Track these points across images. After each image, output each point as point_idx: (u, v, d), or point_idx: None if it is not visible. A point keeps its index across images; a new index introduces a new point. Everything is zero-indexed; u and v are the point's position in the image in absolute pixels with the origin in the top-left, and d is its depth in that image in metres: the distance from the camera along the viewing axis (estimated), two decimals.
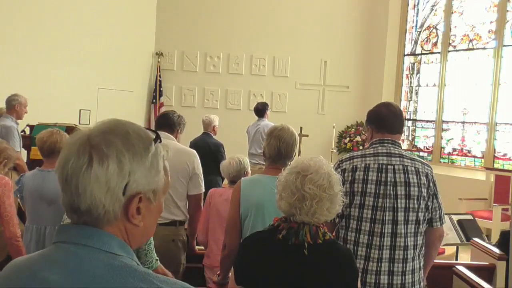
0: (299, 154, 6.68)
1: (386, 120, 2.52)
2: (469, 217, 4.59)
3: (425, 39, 8.79)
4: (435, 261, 2.67)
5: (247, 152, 6.78)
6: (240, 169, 3.52)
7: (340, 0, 9.14)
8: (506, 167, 7.28)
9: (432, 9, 8.70)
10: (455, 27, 8.26)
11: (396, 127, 2.53)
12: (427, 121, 8.65)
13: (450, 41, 8.30)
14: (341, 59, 9.20)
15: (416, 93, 8.92)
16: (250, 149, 6.89)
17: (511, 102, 7.32)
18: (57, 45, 7.34)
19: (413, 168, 2.41)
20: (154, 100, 9.11)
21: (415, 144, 8.87)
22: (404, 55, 9.07)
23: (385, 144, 2.48)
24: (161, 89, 9.17)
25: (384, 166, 2.40)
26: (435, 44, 8.60)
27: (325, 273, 1.76)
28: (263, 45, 9.21)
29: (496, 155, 7.55)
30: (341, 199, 1.83)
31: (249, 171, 3.62)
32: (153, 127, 8.47)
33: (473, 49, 7.96)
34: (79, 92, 7.77)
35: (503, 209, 6.22)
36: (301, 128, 7.49)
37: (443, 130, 8.36)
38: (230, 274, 2.55)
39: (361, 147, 8.32)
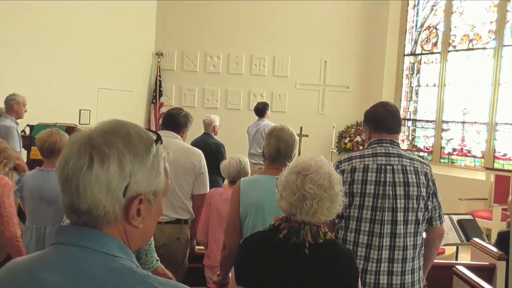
0: (299, 154, 6.69)
1: (383, 120, 2.51)
2: (469, 217, 4.59)
3: (425, 39, 8.79)
4: (435, 261, 2.67)
5: (247, 152, 6.78)
6: (240, 169, 3.52)
7: (340, 1, 9.14)
8: (506, 167, 7.27)
9: (432, 9, 8.71)
10: (455, 27, 8.26)
11: (394, 126, 2.53)
12: (427, 121, 8.65)
13: (450, 41, 8.30)
14: (341, 59, 9.20)
15: (416, 93, 8.92)
16: (250, 149, 6.89)
17: (511, 102, 7.32)
18: (57, 45, 7.34)
19: (412, 168, 2.41)
20: (154, 100, 9.11)
21: (415, 144, 8.87)
22: (404, 55, 9.07)
23: (384, 144, 2.48)
24: (161, 89, 9.17)
25: (383, 167, 2.39)
26: (435, 44, 8.60)
27: (325, 273, 1.76)
28: (263, 45, 9.21)
29: (496, 155, 7.55)
30: (341, 199, 1.83)
31: (249, 171, 3.62)
32: (153, 127, 8.47)
33: (473, 49, 7.96)
34: (79, 92, 7.77)
35: (503, 209, 6.21)
36: (301, 128, 7.49)
37: (443, 130, 8.36)
38: (230, 274, 2.55)
39: (361, 147, 8.32)
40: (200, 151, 3.47)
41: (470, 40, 8.02)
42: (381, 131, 2.50)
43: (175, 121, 3.42)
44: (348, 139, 9.01)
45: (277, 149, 2.54)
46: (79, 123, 7.25)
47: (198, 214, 3.47)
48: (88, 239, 0.94)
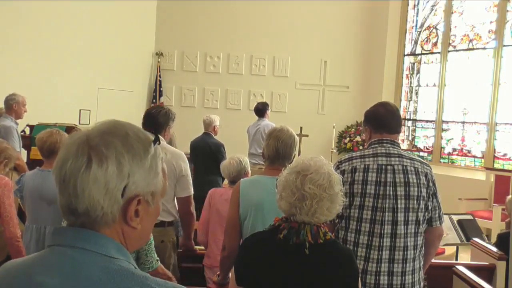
0: (299, 154, 6.69)
1: (384, 120, 2.51)
2: (469, 217, 4.59)
3: (425, 39, 8.79)
4: (435, 261, 2.67)
5: (247, 152, 6.78)
6: (240, 169, 3.52)
7: (340, 1, 9.14)
8: (506, 167, 7.27)
9: (432, 9, 8.71)
10: (455, 27, 8.26)
11: (394, 126, 2.53)
12: (427, 121, 8.65)
13: (450, 41, 8.30)
14: (341, 59, 9.20)
15: (416, 93, 8.92)
16: (250, 149, 6.90)
17: (511, 102, 7.32)
18: (57, 45, 7.34)
19: (412, 168, 2.41)
20: (154, 100, 9.11)
21: (415, 144, 8.88)
22: (404, 55, 9.07)
23: (384, 144, 2.48)
24: (161, 89, 9.17)
25: (383, 167, 2.39)
26: (435, 44, 8.60)
27: (325, 273, 1.76)
28: (263, 45, 9.21)
29: (496, 155, 7.55)
30: (341, 199, 1.83)
31: (249, 171, 3.62)
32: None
33: (473, 49, 7.96)
34: (79, 92, 7.77)
35: (503, 209, 6.20)
36: (301, 128, 7.49)
37: (443, 130, 8.36)
38: (230, 274, 2.55)
39: (361, 147, 8.32)
40: (181, 153, 3.36)
41: (470, 40, 8.02)
42: (382, 131, 2.50)
43: (154, 120, 3.30)
44: (348, 139, 9.01)
45: (276, 150, 2.54)
46: (79, 123, 7.25)
47: (185, 217, 3.38)
48: (85, 241, 0.93)
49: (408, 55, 9.05)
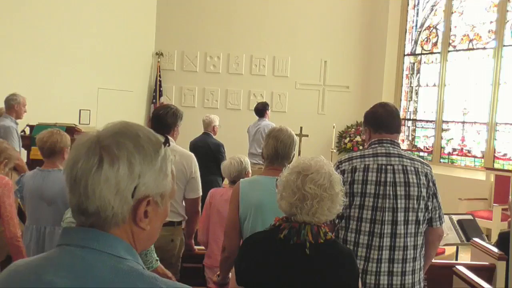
0: (299, 154, 6.69)
1: (383, 120, 2.51)
2: (469, 217, 4.59)
3: (425, 39, 8.79)
4: (435, 261, 2.67)
5: (247, 152, 6.78)
6: (241, 169, 3.51)
7: (340, 0, 9.14)
8: (506, 167, 7.27)
9: (432, 9, 8.71)
10: (455, 27, 8.26)
11: (394, 127, 2.53)
12: (427, 121, 8.65)
13: (450, 41, 8.30)
14: (341, 59, 9.20)
15: (416, 93, 8.92)
16: (250, 149, 6.90)
17: (511, 102, 7.32)
18: (57, 45, 7.34)
19: (412, 168, 2.41)
20: (154, 100, 9.11)
21: (415, 144, 8.88)
22: (404, 55, 9.07)
23: (384, 144, 2.48)
24: (161, 89, 9.17)
25: (383, 167, 2.39)
26: (435, 44, 8.60)
27: (326, 273, 1.76)
28: (263, 45, 9.21)
29: (496, 155, 7.55)
30: (342, 199, 1.83)
31: (250, 171, 3.62)
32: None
33: (473, 49, 7.96)
34: (79, 92, 7.77)
35: (503, 209, 6.21)
36: (301, 128, 7.50)
37: (443, 130, 8.36)
38: (230, 274, 2.55)
39: (361, 147, 8.32)
40: (191, 154, 3.38)
41: (470, 40, 8.01)
42: (381, 132, 2.51)
43: (163, 122, 3.29)
44: (348, 139, 9.01)
45: (275, 150, 2.54)
46: (79, 123, 7.25)
47: (192, 217, 3.41)
48: (95, 241, 0.94)
49: (408, 55, 9.05)
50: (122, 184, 0.93)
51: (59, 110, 6.98)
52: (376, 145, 2.49)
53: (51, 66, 7.26)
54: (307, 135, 7.57)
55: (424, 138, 8.72)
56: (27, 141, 5.64)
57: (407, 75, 9.08)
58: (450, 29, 8.29)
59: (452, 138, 8.22)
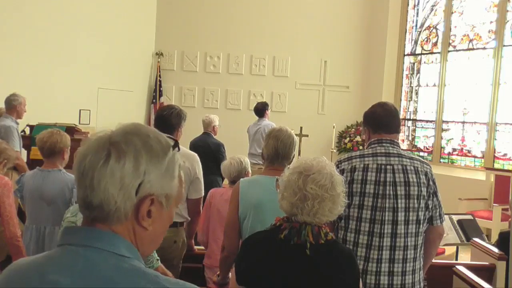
0: (299, 154, 6.69)
1: (382, 120, 2.51)
2: (469, 217, 4.59)
3: (425, 39, 8.79)
4: (435, 261, 2.67)
5: (247, 152, 6.78)
6: (241, 169, 3.52)
7: (340, 0, 9.14)
8: (506, 167, 7.28)
9: (432, 9, 8.71)
10: (455, 27, 8.26)
11: (393, 126, 2.52)
12: (427, 121, 8.65)
13: (450, 41, 8.30)
14: (341, 59, 9.20)
15: (416, 93, 8.92)
16: (250, 149, 6.90)
17: (511, 102, 7.32)
18: (57, 45, 7.34)
19: (412, 168, 2.41)
20: (154, 100, 9.12)
21: (415, 144, 8.88)
22: (404, 55, 9.07)
23: (384, 144, 2.48)
24: (161, 89, 9.17)
25: (383, 166, 2.39)
26: (435, 44, 8.60)
27: (326, 273, 1.75)
28: (263, 45, 9.21)
29: (496, 155, 7.55)
30: (343, 200, 1.82)
31: (250, 171, 3.62)
32: (153, 127, 8.51)
33: (473, 49, 7.96)
34: (79, 92, 7.77)
35: (503, 209, 6.21)
36: (301, 128, 7.50)
37: (443, 130, 8.36)
38: (230, 274, 2.55)
39: (361, 147, 8.32)
40: (194, 154, 3.37)
41: (470, 40, 8.02)
42: (381, 132, 2.50)
43: (167, 122, 3.28)
44: (348, 139, 9.01)
45: (275, 150, 2.54)
46: (79, 123, 7.25)
47: (193, 217, 3.41)
48: (97, 240, 0.95)
49: (408, 55, 9.05)
50: (127, 180, 0.94)
51: (59, 110, 6.98)
52: (376, 145, 2.49)
53: (51, 66, 7.27)
54: (307, 135, 7.58)
55: (424, 138, 8.72)
56: (27, 141, 5.64)
57: (407, 75, 9.08)
58: (450, 29, 8.29)
59: (452, 138, 8.22)
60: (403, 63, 9.09)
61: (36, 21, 7.06)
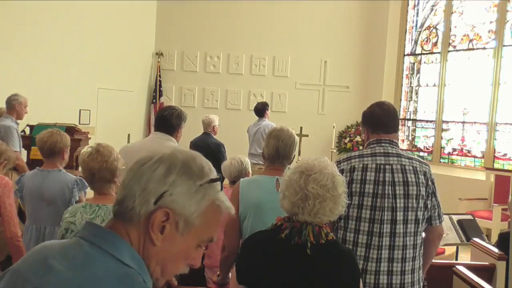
0: (299, 155, 6.70)
1: (381, 120, 2.51)
2: (469, 217, 4.59)
3: (425, 39, 8.79)
4: (435, 261, 2.67)
5: (247, 152, 6.78)
6: (241, 169, 3.52)
7: (340, 1, 9.14)
8: (506, 167, 7.27)
9: (432, 9, 8.70)
10: (455, 27, 8.26)
11: (392, 126, 2.52)
12: (427, 121, 8.65)
13: (450, 41, 8.30)
14: (341, 59, 9.20)
15: (416, 93, 8.92)
16: (250, 149, 6.89)
17: (511, 102, 7.32)
18: (57, 45, 7.34)
19: (411, 167, 2.41)
20: (154, 100, 9.12)
21: (415, 144, 8.87)
22: (404, 55, 9.07)
23: (383, 144, 2.48)
24: (161, 89, 9.17)
25: (382, 166, 2.39)
26: (435, 44, 8.60)
27: (327, 273, 1.76)
28: (263, 45, 9.21)
29: (496, 155, 7.55)
30: (344, 201, 1.83)
31: (250, 172, 3.63)
32: (153, 128, 8.50)
33: (473, 49, 7.96)
34: (79, 92, 7.77)
35: (503, 209, 6.21)
36: (301, 128, 7.49)
37: (443, 130, 8.35)
38: (230, 274, 2.55)
39: (361, 147, 8.31)
40: (197, 153, 3.38)
41: (470, 40, 8.02)
42: (379, 132, 2.51)
43: (167, 123, 3.30)
44: (348, 139, 9.01)
45: (276, 150, 2.54)
46: (79, 123, 7.25)
47: None
48: (105, 240, 0.97)
49: (408, 55, 9.05)
50: (151, 184, 0.97)
51: (59, 110, 6.98)
52: (375, 145, 2.49)
53: (51, 66, 7.27)
54: (307, 135, 7.57)
55: (424, 138, 8.72)
56: (27, 141, 5.64)
57: (407, 75, 9.08)
58: (450, 29, 8.29)
59: (452, 138, 8.21)
60: (403, 63, 9.09)
61: (37, 22, 7.06)
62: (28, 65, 6.90)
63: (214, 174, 1.06)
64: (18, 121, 5.48)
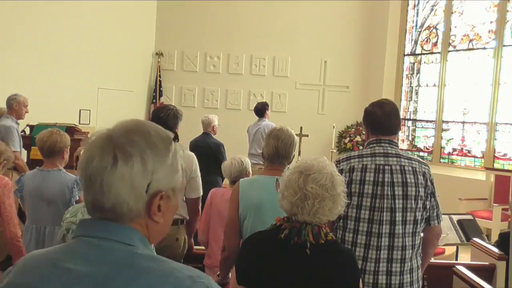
0: (299, 154, 6.69)
1: (381, 122, 2.49)
2: (469, 217, 4.59)
3: (425, 39, 8.79)
4: (435, 261, 2.67)
5: (247, 152, 6.78)
6: (241, 169, 3.52)
7: (340, 1, 9.14)
8: (506, 167, 7.27)
9: (432, 9, 8.71)
10: (455, 27, 8.26)
11: (391, 129, 2.51)
12: (427, 121, 8.65)
13: (450, 41, 8.30)
14: (341, 59, 9.20)
15: (416, 93, 8.92)
16: (250, 149, 6.89)
17: (511, 102, 7.32)
18: (57, 45, 7.34)
19: (410, 168, 2.41)
20: (154, 100, 9.12)
21: (415, 144, 8.88)
22: (404, 55, 9.07)
23: (382, 144, 2.47)
24: (161, 89, 9.17)
25: (381, 167, 2.39)
26: (435, 44, 8.60)
27: (327, 273, 1.76)
28: (263, 45, 9.21)
29: (496, 155, 7.55)
30: (343, 200, 1.83)
31: (250, 172, 3.63)
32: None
33: (473, 49, 7.96)
34: (79, 92, 7.77)
35: (503, 209, 6.21)
36: (301, 128, 7.49)
37: (443, 130, 8.35)
38: (230, 274, 2.55)
39: (361, 147, 8.32)
40: (191, 154, 3.36)
41: (470, 40, 8.02)
42: (379, 134, 2.50)
43: (164, 125, 3.26)
44: (348, 139, 9.01)
45: (276, 149, 2.54)
46: (79, 123, 7.25)
47: (193, 217, 3.40)
48: (111, 232, 0.97)
49: (408, 55, 9.05)
50: (136, 181, 0.96)
51: (59, 110, 6.98)
52: (375, 145, 2.49)
53: (51, 66, 7.27)
54: (307, 135, 7.57)
55: (424, 138, 8.72)
56: (27, 141, 5.64)
57: (407, 75, 9.08)
58: (450, 29, 8.29)
59: (452, 138, 8.22)
60: (403, 63, 9.09)
61: (36, 22, 7.06)
62: (28, 65, 6.90)
63: (167, 133, 1.05)
64: (19, 121, 5.48)
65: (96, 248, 0.95)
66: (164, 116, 3.32)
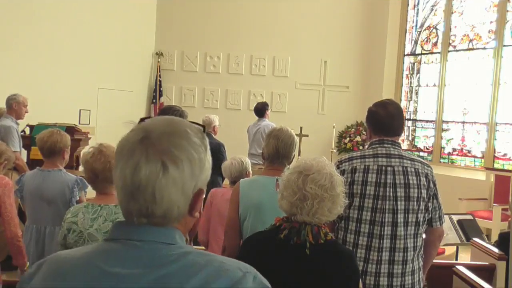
0: (299, 155, 6.69)
1: (384, 123, 2.48)
2: (469, 217, 4.59)
3: (425, 39, 8.79)
4: (435, 261, 2.67)
5: (247, 152, 6.78)
6: (242, 169, 3.53)
7: (340, 0, 9.14)
8: (506, 167, 7.28)
9: (432, 9, 8.71)
10: (455, 27, 8.26)
11: (394, 130, 2.50)
12: (427, 121, 8.66)
13: (450, 41, 8.30)
14: (341, 59, 9.20)
15: (416, 93, 8.92)
16: (250, 149, 6.89)
17: (511, 102, 7.32)
18: (57, 45, 7.34)
19: (412, 169, 2.40)
20: (154, 100, 9.11)
21: (415, 144, 8.88)
22: (404, 55, 9.07)
23: (385, 145, 2.46)
24: (161, 89, 9.17)
25: (383, 168, 2.38)
26: (435, 44, 8.60)
27: (326, 273, 1.76)
28: (263, 45, 9.21)
29: (496, 155, 7.55)
30: (343, 200, 1.83)
31: (251, 172, 3.63)
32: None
33: (473, 49, 7.96)
34: (79, 92, 7.77)
35: (503, 209, 6.22)
36: (301, 128, 7.49)
37: (443, 130, 8.36)
38: None
39: (361, 147, 8.32)
40: None
41: (470, 40, 8.02)
42: (381, 135, 2.50)
43: None
44: (348, 139, 9.01)
45: (276, 149, 2.54)
46: (79, 123, 7.25)
47: None
48: (154, 234, 0.96)
49: (408, 55, 9.05)
50: (187, 185, 0.96)
51: (59, 110, 6.97)
52: (377, 145, 2.47)
53: (51, 66, 7.27)
54: (307, 135, 7.57)
55: (424, 138, 8.72)
56: (27, 141, 5.64)
57: (407, 75, 9.08)
58: (450, 29, 8.29)
59: (452, 138, 8.22)
60: (403, 63, 9.09)
61: (36, 22, 7.06)
62: (28, 65, 6.90)
63: (199, 128, 1.04)
64: (19, 121, 5.48)
65: (143, 250, 0.94)
66: (170, 114, 3.31)
